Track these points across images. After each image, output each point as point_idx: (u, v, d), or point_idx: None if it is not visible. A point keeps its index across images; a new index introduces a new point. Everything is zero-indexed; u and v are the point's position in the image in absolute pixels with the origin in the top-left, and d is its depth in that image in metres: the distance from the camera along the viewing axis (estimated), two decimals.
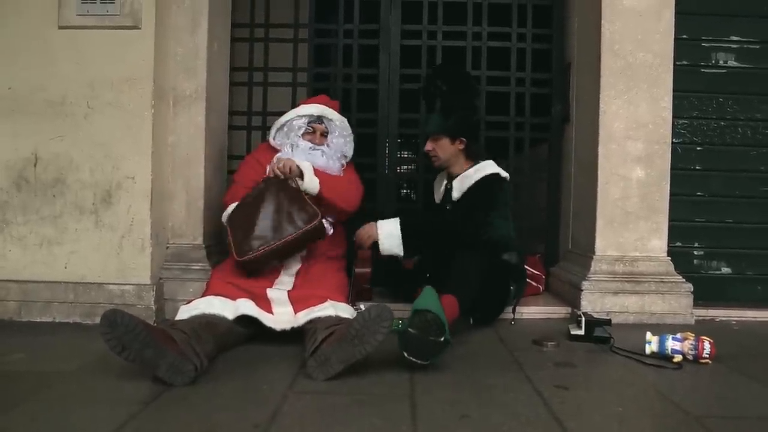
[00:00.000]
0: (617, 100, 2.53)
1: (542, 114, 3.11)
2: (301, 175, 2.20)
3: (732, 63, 2.78)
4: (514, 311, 2.42)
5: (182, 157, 2.56)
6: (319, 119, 2.39)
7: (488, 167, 2.38)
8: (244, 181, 2.35)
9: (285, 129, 2.39)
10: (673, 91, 2.54)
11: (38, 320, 2.31)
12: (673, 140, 2.60)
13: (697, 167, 2.78)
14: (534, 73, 3.10)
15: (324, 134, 2.40)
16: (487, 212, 2.31)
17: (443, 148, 2.38)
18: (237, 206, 2.23)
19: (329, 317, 1.88)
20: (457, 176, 2.41)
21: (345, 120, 2.48)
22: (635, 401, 1.56)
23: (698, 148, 2.78)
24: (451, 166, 2.43)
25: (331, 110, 2.42)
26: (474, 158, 2.43)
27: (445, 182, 2.52)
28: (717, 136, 2.78)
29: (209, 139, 2.62)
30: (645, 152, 2.54)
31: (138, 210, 2.35)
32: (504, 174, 2.39)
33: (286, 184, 2.18)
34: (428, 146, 2.40)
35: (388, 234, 2.21)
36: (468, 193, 2.35)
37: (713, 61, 2.78)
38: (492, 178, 2.35)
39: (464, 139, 2.37)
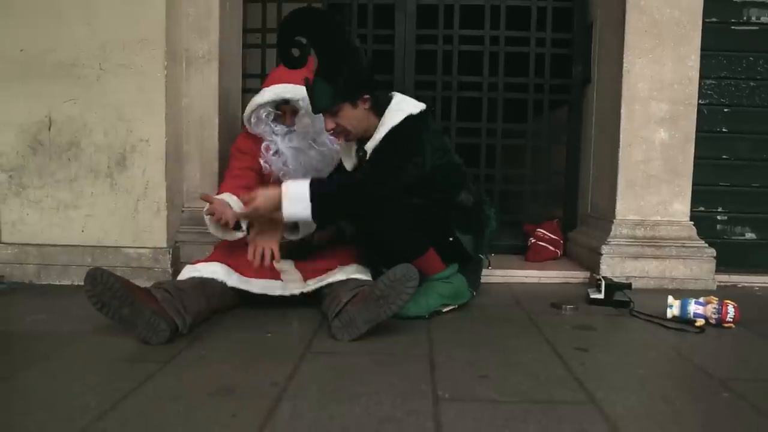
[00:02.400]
0: (641, 59, 2.44)
1: (562, 75, 3.02)
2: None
3: (765, 19, 2.64)
4: (488, 260, 2.20)
5: (196, 119, 2.53)
6: (285, 100, 2.13)
7: (392, 116, 1.92)
8: (233, 171, 2.22)
9: (253, 119, 2.15)
10: (701, 49, 2.45)
11: (57, 283, 2.34)
12: (699, 101, 2.50)
13: (724, 129, 2.68)
14: (555, 33, 2.99)
15: (294, 112, 2.15)
16: (410, 160, 1.88)
17: (348, 118, 1.90)
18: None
19: (350, 280, 1.87)
20: (369, 140, 1.96)
21: None
22: (657, 363, 1.54)
23: (725, 110, 2.68)
24: (366, 131, 1.96)
25: (292, 87, 2.09)
26: (382, 111, 1.96)
27: (355, 148, 2.06)
28: (746, 97, 2.67)
29: (223, 101, 2.58)
30: (669, 113, 2.46)
31: (153, 173, 2.34)
32: (415, 110, 1.94)
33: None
34: (329, 124, 1.91)
35: (295, 197, 1.74)
36: (378, 150, 1.92)
37: (745, 18, 2.65)
38: (401, 126, 1.90)
39: (367, 96, 1.91)
